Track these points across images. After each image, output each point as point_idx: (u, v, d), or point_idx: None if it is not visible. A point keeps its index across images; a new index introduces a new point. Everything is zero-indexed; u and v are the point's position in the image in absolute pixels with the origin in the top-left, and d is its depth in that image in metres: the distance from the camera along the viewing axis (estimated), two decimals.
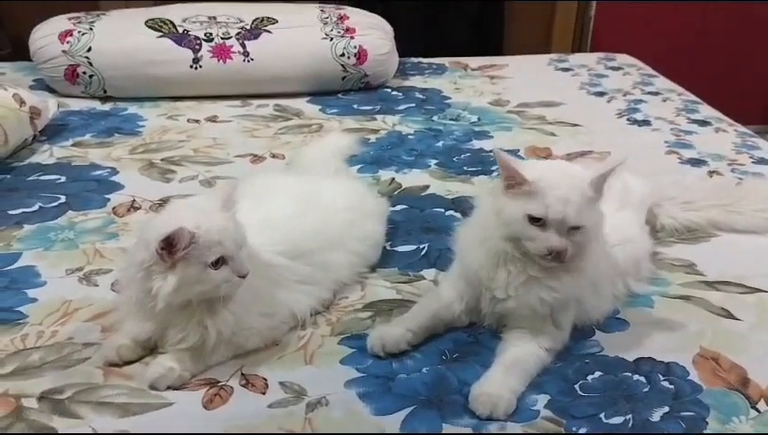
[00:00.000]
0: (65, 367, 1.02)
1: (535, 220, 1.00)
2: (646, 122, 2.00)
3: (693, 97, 2.20)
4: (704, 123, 1.99)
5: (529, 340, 1.05)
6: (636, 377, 1.03)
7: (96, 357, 1.03)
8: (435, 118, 1.99)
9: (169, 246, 0.95)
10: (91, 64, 1.98)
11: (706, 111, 2.09)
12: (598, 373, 1.04)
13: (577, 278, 1.04)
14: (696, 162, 1.75)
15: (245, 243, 1.02)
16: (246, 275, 1.01)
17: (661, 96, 2.21)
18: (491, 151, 1.77)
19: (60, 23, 2.05)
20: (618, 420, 0.95)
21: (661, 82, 2.34)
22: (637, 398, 0.99)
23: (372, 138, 1.84)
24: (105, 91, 2.02)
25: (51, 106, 1.82)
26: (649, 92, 2.24)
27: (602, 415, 0.96)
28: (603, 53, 2.62)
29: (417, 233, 1.40)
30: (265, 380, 1.01)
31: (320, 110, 2.03)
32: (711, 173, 1.69)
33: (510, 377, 0.99)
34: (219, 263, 0.98)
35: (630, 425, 0.95)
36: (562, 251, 0.99)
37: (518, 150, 1.77)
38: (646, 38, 3.10)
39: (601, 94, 2.22)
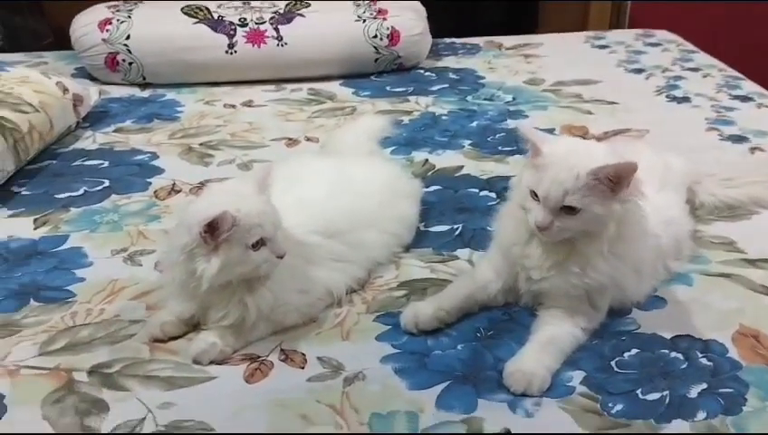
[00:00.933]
0: (113, 343, 1.06)
1: (534, 193, 1.01)
2: (685, 99, 1.96)
3: (735, 73, 2.15)
4: (746, 99, 1.94)
5: (565, 319, 1.05)
6: (673, 354, 1.03)
7: (142, 333, 1.07)
8: (469, 98, 1.98)
9: (212, 229, 0.97)
10: (130, 52, 2.02)
11: (749, 86, 2.03)
12: (634, 350, 1.04)
13: (614, 264, 1.04)
14: (738, 139, 1.71)
15: (280, 224, 1.05)
16: (284, 256, 1.03)
17: (702, 72, 2.16)
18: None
19: (99, 11, 2.09)
20: (654, 396, 0.95)
21: (702, 58, 2.29)
22: (674, 374, 0.99)
23: (405, 119, 1.85)
24: (144, 78, 2.06)
25: (92, 93, 1.86)
26: (689, 69, 2.19)
27: (639, 391, 0.96)
28: (642, 30, 2.57)
29: (451, 213, 1.40)
30: (304, 355, 1.03)
31: (353, 92, 2.04)
32: (753, 150, 1.66)
33: (545, 355, 1.00)
34: (258, 244, 1.01)
35: (667, 401, 0.94)
36: (544, 228, 1.00)
37: (554, 129, 1.75)
38: (686, 13, 3.01)
39: (639, 71, 2.18)
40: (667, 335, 1.07)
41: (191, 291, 1.04)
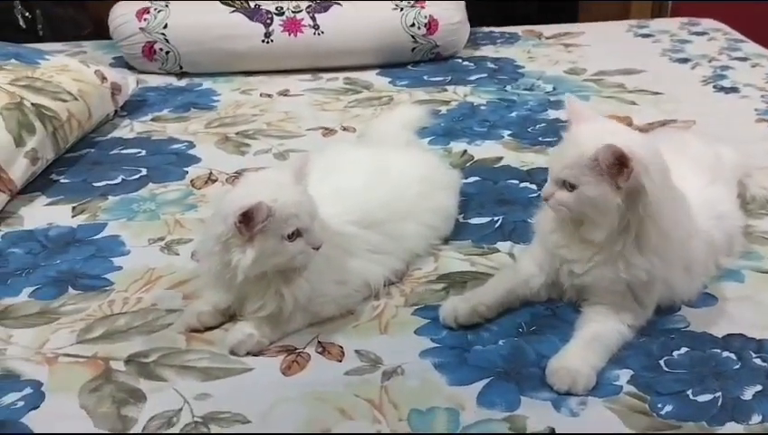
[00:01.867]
0: (150, 332, 1.05)
1: None
2: (734, 89, 1.89)
3: None
4: None
5: (610, 315, 1.01)
6: (725, 354, 0.99)
7: (178, 323, 1.06)
8: (508, 88, 1.94)
9: (247, 220, 0.95)
10: (167, 41, 2.02)
11: None
12: (684, 349, 1.00)
13: (654, 261, 0.99)
14: None
15: (317, 214, 1.03)
16: (320, 247, 1.01)
17: (750, 62, 2.09)
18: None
19: (137, 1, 2.10)
20: (706, 397, 0.91)
21: (750, 48, 2.20)
22: (727, 375, 0.95)
23: (443, 109, 1.81)
24: (181, 67, 2.06)
25: (130, 82, 1.87)
26: (737, 58, 2.12)
27: (690, 392, 0.92)
28: (686, 18, 2.49)
29: (491, 205, 1.37)
30: (341, 348, 1.01)
31: (389, 82, 2.01)
32: None
33: (590, 352, 0.96)
34: (294, 235, 0.99)
35: (720, 403, 0.90)
36: (545, 198, 1.01)
37: None
38: (730, 11, 2.89)
39: (685, 61, 2.11)
40: (719, 334, 1.02)
41: (227, 281, 1.02)
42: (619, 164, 0.93)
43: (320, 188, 1.09)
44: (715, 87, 1.91)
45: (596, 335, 0.99)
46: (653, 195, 0.96)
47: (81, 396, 0.94)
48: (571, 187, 0.97)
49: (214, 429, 0.88)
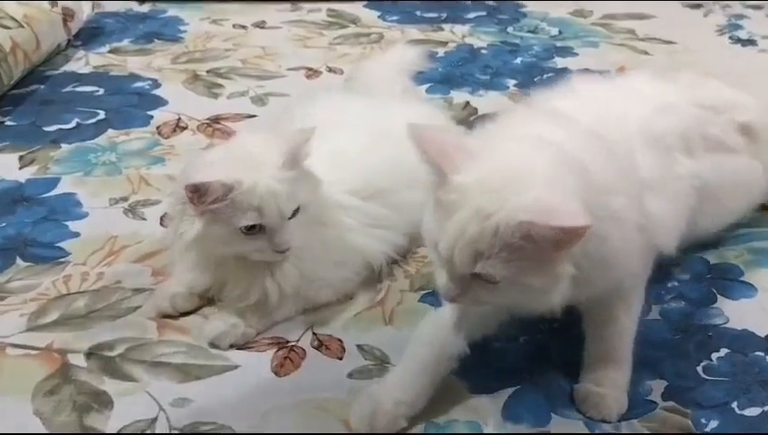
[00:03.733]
0: (114, 317, 0.91)
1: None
2: (751, 42, 1.76)
3: None
4: None
5: (604, 319, 0.84)
6: None
7: (148, 306, 0.92)
8: (510, 29, 1.78)
9: (199, 194, 0.81)
10: None
11: None
12: (724, 351, 0.89)
13: (600, 266, 0.74)
14: None
15: (308, 201, 0.87)
16: (286, 251, 0.86)
17: (765, 11, 1.95)
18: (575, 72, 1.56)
19: None
20: (754, 410, 0.81)
21: None
22: None
23: (440, 51, 1.64)
24: None
25: (85, 7, 1.65)
26: (751, 6, 1.97)
27: (735, 404, 0.82)
28: None
29: None
30: (341, 341, 0.88)
31: (378, 17, 1.83)
32: None
33: (611, 373, 0.82)
34: (256, 229, 0.83)
35: None
36: (452, 299, 0.72)
37: (608, 71, 1.56)
38: None
39: (697, 7, 1.97)
40: (761, 332, 0.92)
41: (197, 259, 0.89)
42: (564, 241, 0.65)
43: (315, 150, 0.92)
44: (731, 38, 1.78)
45: (606, 352, 0.84)
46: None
47: (36, 400, 0.79)
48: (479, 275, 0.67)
49: None
